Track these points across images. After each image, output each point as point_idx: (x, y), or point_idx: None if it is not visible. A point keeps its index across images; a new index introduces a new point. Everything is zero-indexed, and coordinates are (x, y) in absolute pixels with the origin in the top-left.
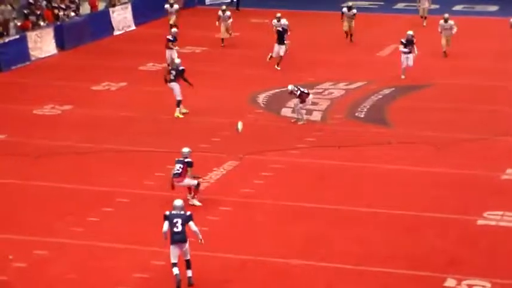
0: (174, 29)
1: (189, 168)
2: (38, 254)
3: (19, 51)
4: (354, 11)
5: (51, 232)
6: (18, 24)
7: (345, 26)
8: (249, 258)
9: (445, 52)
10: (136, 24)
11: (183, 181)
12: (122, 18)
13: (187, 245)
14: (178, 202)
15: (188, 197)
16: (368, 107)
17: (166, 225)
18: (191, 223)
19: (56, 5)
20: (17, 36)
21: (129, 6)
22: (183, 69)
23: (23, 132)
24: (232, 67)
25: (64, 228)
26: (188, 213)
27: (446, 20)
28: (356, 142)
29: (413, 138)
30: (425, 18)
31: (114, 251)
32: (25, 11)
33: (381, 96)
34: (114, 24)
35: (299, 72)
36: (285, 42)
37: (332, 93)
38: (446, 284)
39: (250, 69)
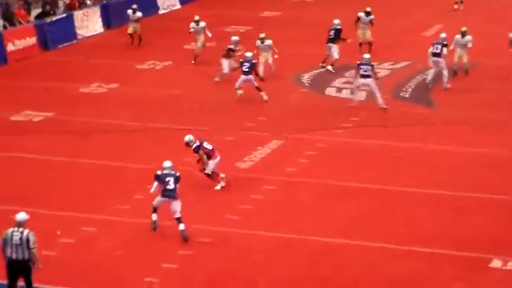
0: (235, 37)
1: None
2: (86, 230)
3: (66, 30)
4: (372, 16)
5: (98, 209)
6: (67, 2)
7: (360, 33)
8: (293, 236)
9: (455, 71)
10: (181, 3)
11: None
12: None
13: (176, 203)
14: (168, 163)
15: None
16: (413, 87)
17: (155, 186)
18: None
19: None
20: (64, 15)
21: None
22: (255, 63)
23: (70, 110)
24: (276, 46)
25: (111, 206)
26: (178, 173)
27: (463, 34)
28: (401, 122)
29: (458, 118)
30: (462, 2)
31: (159, 228)
32: None
33: (425, 76)
34: (159, 3)
35: (343, 52)
36: (344, 39)
37: (377, 72)
38: (492, 264)
39: (294, 49)
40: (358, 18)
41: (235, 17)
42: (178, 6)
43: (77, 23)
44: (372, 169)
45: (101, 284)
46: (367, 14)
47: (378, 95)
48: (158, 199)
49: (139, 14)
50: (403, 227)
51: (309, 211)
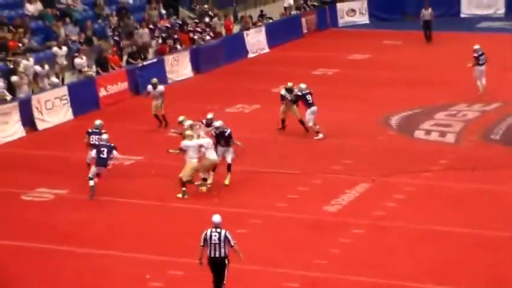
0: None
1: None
2: (173, 274)
3: (157, 74)
4: (295, 91)
5: (186, 252)
6: (156, 47)
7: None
8: (382, 281)
9: None
10: (269, 46)
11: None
12: (256, 40)
13: (105, 169)
14: (105, 136)
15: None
16: (504, 129)
17: (94, 153)
18: (115, 152)
19: (192, 29)
20: (155, 60)
21: (263, 29)
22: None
23: (159, 154)
24: (365, 88)
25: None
26: (112, 144)
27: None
28: (491, 164)
29: None
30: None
31: (248, 273)
32: (163, 35)
33: None
34: (248, 47)
35: (433, 94)
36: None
37: (466, 115)
38: None
39: (383, 90)
40: (282, 97)
41: (324, 59)
42: (267, 49)
43: (167, 68)
44: (461, 212)
45: None
46: (290, 91)
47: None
48: (93, 170)
49: (161, 87)
50: (493, 272)
51: (397, 255)
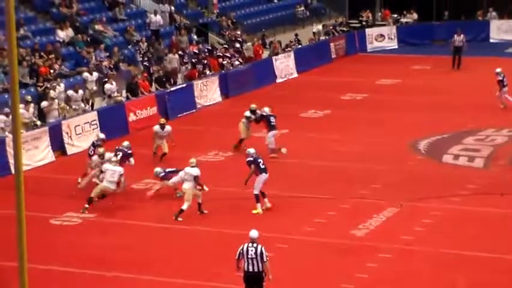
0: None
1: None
2: None
3: (186, 99)
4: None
5: (212, 277)
6: (185, 72)
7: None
8: None
9: None
10: (298, 71)
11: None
12: (285, 66)
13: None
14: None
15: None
16: None
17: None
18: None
19: (221, 54)
20: (184, 85)
21: (292, 54)
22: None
23: None
24: (393, 113)
25: (226, 273)
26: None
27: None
28: None
29: None
30: None
31: None
32: (192, 60)
33: None
34: (276, 72)
35: (461, 118)
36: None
37: (495, 139)
38: None
39: (411, 115)
40: (247, 118)
41: (353, 84)
42: (295, 74)
43: (196, 93)
44: (490, 238)
45: None
46: (253, 112)
47: None
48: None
49: (168, 128)
50: None
51: (425, 280)
